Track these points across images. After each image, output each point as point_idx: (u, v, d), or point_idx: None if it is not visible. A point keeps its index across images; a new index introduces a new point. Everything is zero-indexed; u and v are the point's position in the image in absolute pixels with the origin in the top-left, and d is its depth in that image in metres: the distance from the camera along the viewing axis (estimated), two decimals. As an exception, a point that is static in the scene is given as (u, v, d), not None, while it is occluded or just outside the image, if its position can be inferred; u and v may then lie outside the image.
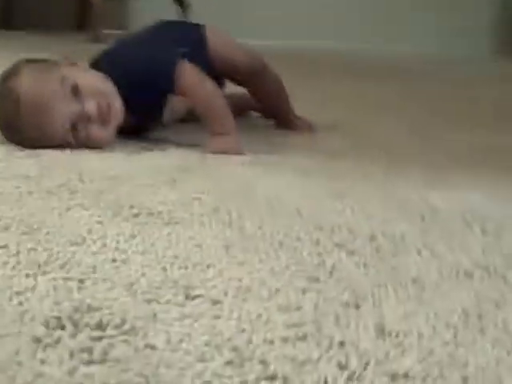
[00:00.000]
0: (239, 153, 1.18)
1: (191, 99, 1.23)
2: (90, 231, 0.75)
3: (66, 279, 0.61)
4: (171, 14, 4.41)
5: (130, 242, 0.72)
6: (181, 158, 1.13)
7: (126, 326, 0.52)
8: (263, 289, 0.61)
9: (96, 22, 3.79)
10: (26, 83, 1.11)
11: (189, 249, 0.71)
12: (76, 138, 1.13)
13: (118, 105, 1.16)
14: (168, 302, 0.57)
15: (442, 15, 5.94)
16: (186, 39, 1.36)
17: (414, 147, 1.36)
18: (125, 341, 0.49)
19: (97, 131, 1.14)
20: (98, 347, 0.48)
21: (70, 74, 1.14)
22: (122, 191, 0.92)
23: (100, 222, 0.78)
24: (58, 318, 0.52)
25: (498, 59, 5.45)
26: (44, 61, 1.19)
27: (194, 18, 4.62)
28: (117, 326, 0.51)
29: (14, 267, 0.63)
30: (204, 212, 0.84)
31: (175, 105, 1.28)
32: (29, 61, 1.18)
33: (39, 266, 0.64)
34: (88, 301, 0.56)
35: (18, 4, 4.32)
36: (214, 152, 1.17)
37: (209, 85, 1.22)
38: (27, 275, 0.61)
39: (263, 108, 1.54)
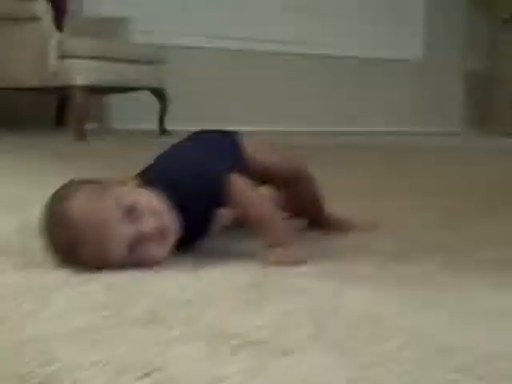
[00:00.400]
0: (301, 262, 1.15)
1: (244, 212, 1.20)
2: (207, 369, 0.70)
3: None
4: (150, 107, 4.46)
5: (256, 379, 0.68)
6: (247, 273, 1.09)
7: None
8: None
9: (79, 119, 3.78)
10: (81, 207, 1.08)
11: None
12: (133, 259, 1.10)
13: (173, 222, 1.13)
14: None
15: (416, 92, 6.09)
16: (226, 148, 1.35)
17: (465, 244, 1.35)
18: None
19: (154, 250, 1.11)
20: None
21: (123, 195, 1.11)
22: (209, 317, 0.87)
23: (209, 358, 0.74)
24: None
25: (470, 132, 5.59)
26: (93, 181, 1.16)
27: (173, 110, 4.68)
28: None
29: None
30: (309, 335, 0.80)
31: (222, 215, 1.25)
32: (78, 182, 1.14)
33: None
34: None
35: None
36: (276, 264, 1.14)
37: (259, 196, 1.20)
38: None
39: (297, 209, 1.52)
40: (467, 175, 2.61)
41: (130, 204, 1.09)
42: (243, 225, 1.29)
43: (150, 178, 1.21)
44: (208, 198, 1.18)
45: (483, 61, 6.44)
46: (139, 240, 1.09)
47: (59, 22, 3.89)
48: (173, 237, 1.13)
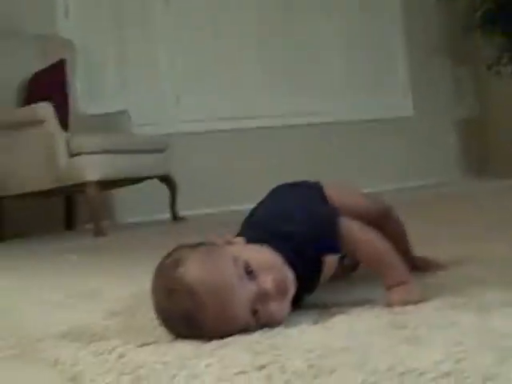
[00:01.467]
0: (422, 300, 1.10)
1: (359, 255, 1.15)
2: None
3: None
4: (159, 197, 4.43)
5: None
6: (379, 315, 1.04)
7: None
8: None
9: (96, 215, 3.73)
10: (198, 271, 1.01)
11: None
12: (257, 320, 1.03)
13: (290, 275, 1.08)
14: None
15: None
16: (317, 195, 1.31)
17: None
18: None
19: (276, 307, 1.04)
20: None
21: (238, 253, 1.05)
22: (389, 359, 0.80)
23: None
24: None
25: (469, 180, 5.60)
26: (201, 244, 1.10)
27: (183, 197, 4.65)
28: None
29: None
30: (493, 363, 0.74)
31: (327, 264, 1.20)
32: (186, 247, 1.09)
33: None
34: None
35: (7, 216, 4.24)
36: (400, 304, 1.08)
37: (373, 235, 1.15)
38: None
39: None
40: None
41: (247, 261, 1.04)
42: (343, 272, 1.24)
43: (252, 234, 1.16)
44: (324, 242, 1.13)
45: (473, 108, 6.52)
46: (261, 299, 1.03)
47: (63, 121, 3.88)
48: (292, 290, 1.07)
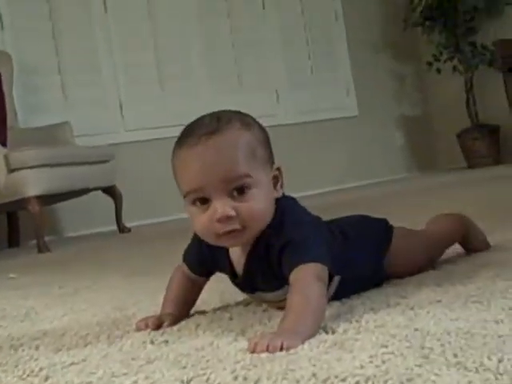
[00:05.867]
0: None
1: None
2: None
3: None
4: (105, 208, 4.36)
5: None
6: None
7: None
8: None
9: (39, 231, 3.65)
10: None
11: None
12: None
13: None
14: None
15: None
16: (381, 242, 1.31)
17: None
18: None
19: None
20: None
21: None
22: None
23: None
24: None
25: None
26: None
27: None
28: None
29: None
30: None
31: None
32: None
33: None
34: None
35: None
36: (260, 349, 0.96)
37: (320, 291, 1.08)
38: None
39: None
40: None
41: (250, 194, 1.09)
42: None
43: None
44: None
45: (416, 105, 6.61)
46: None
47: (1, 136, 3.80)
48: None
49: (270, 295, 1.16)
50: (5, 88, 4.15)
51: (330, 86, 6.12)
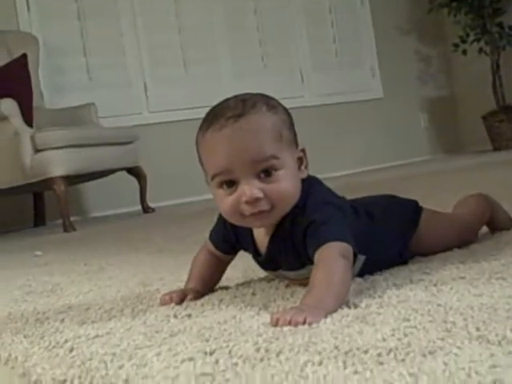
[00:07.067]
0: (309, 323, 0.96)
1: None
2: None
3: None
4: (129, 189, 4.39)
5: None
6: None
7: None
8: None
9: (64, 210, 3.69)
10: None
11: None
12: None
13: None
14: None
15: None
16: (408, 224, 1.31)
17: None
18: None
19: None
20: None
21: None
22: None
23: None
24: None
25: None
26: None
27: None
28: None
29: None
30: None
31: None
32: None
33: None
34: None
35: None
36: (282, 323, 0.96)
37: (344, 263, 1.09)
38: None
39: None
40: None
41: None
42: None
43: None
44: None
45: (442, 87, 6.55)
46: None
47: (27, 117, 3.83)
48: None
49: (292, 274, 1.17)
50: (31, 69, 4.17)
51: (355, 69, 6.08)
